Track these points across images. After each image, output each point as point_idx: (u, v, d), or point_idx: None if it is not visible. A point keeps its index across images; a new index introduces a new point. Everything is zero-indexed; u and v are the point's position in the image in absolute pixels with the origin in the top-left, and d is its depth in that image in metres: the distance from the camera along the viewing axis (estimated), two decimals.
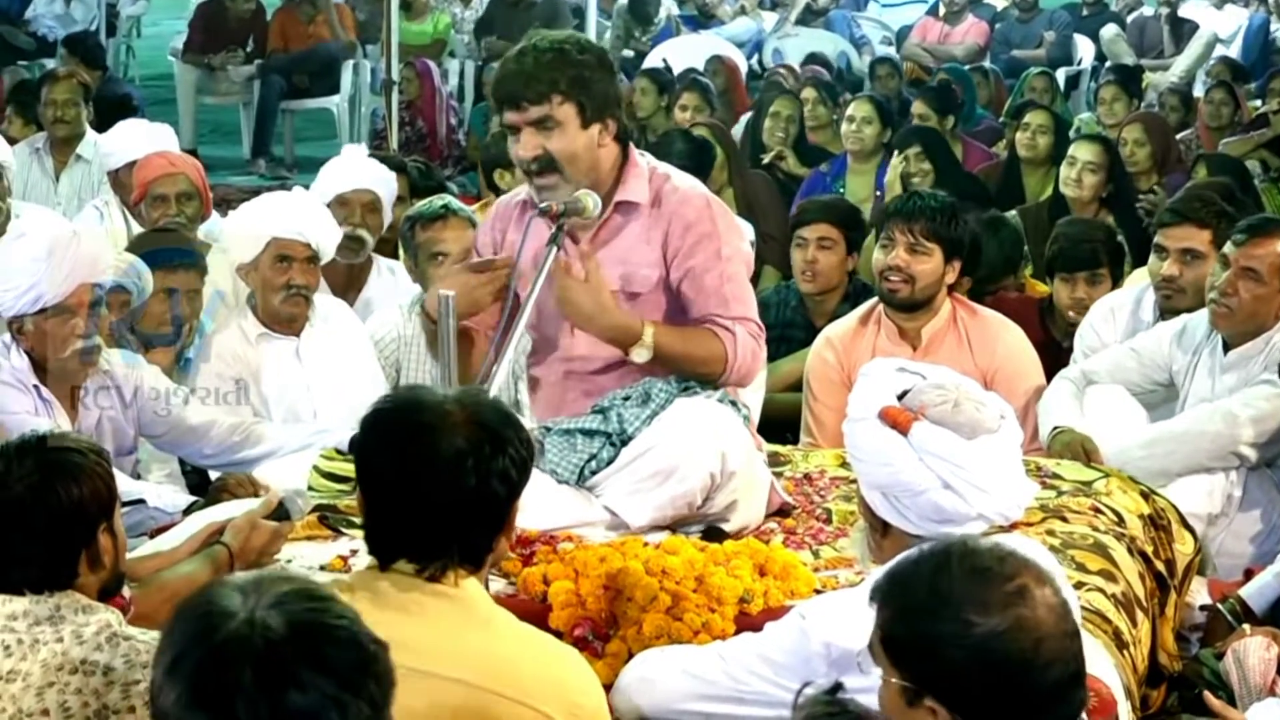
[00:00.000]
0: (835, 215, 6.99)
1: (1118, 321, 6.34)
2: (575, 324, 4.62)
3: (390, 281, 7.14)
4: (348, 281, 7.09)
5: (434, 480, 3.17)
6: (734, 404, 4.60)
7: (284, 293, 5.99)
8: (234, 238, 6.24)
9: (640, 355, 4.57)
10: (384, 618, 3.15)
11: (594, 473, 4.51)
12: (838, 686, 2.43)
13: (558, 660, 3.24)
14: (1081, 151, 8.67)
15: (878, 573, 3.63)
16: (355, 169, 7.18)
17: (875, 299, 6.11)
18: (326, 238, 6.10)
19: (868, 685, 3.32)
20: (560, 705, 3.13)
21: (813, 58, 15.02)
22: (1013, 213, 8.74)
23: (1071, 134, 10.43)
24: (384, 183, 7.19)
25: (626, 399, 4.58)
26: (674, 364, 4.62)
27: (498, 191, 8.24)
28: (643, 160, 4.72)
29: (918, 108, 11.12)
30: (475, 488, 3.18)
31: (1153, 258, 6.27)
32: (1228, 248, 5.76)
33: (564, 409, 4.70)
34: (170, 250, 6.30)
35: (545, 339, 4.79)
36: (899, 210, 6.03)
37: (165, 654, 2.39)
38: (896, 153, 9.39)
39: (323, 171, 7.24)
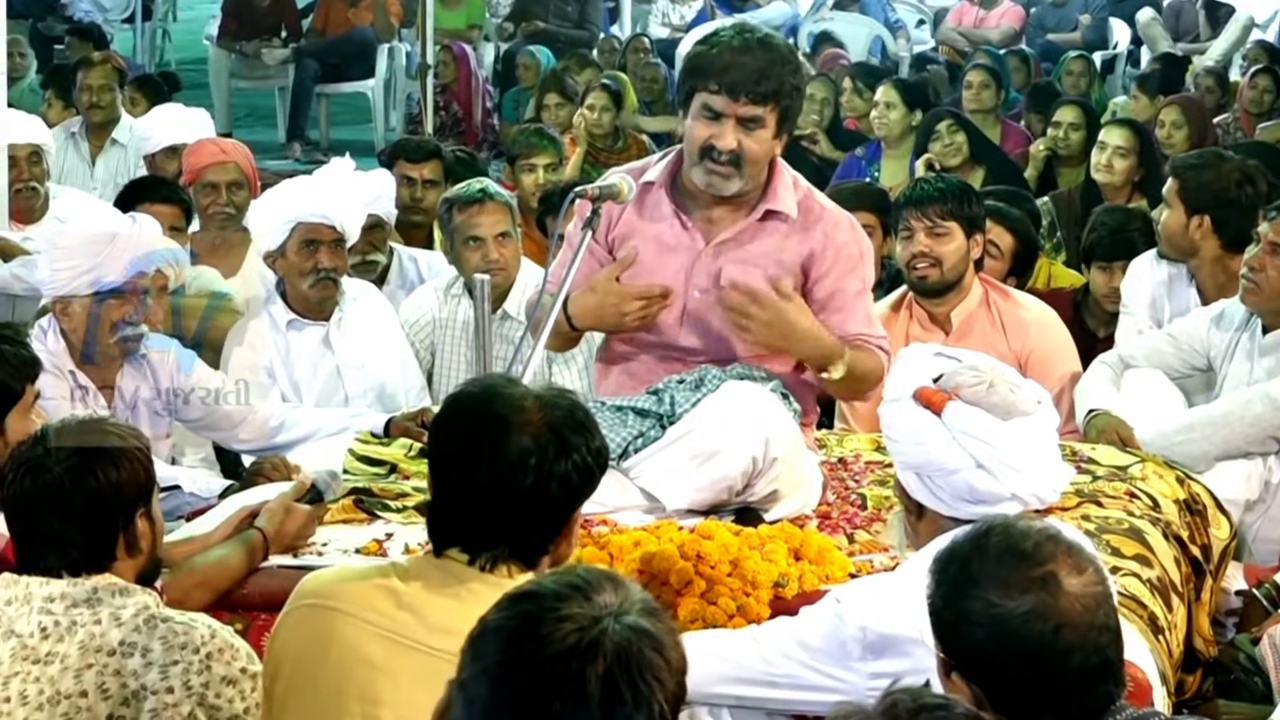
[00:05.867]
0: (869, 201, 6.96)
1: (1156, 281, 6.27)
2: (783, 345, 4.59)
3: (412, 270, 7.07)
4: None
5: (491, 473, 3.15)
6: (786, 397, 4.59)
7: (312, 277, 5.98)
8: (259, 225, 6.23)
9: (838, 371, 4.57)
10: (437, 604, 3.15)
11: (637, 450, 4.49)
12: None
13: None
14: (1111, 136, 8.62)
15: (913, 557, 3.64)
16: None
17: (905, 286, 6.10)
18: (352, 219, 6.06)
19: (906, 669, 3.33)
20: None
21: (825, 37, 14.95)
22: (1045, 199, 8.70)
23: (1105, 119, 10.37)
24: (379, 200, 6.69)
25: (681, 382, 4.58)
26: (854, 382, 4.65)
27: (518, 184, 8.22)
28: (787, 171, 4.74)
29: (974, 76, 11.08)
30: (532, 488, 3.15)
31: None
32: (1263, 225, 5.72)
33: (640, 390, 4.67)
34: None
35: (654, 324, 4.75)
36: (910, 199, 5.99)
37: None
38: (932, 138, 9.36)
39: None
